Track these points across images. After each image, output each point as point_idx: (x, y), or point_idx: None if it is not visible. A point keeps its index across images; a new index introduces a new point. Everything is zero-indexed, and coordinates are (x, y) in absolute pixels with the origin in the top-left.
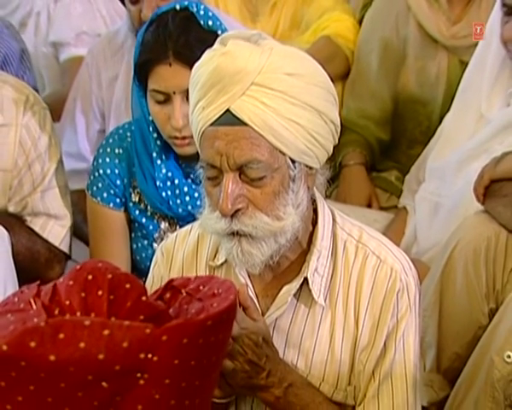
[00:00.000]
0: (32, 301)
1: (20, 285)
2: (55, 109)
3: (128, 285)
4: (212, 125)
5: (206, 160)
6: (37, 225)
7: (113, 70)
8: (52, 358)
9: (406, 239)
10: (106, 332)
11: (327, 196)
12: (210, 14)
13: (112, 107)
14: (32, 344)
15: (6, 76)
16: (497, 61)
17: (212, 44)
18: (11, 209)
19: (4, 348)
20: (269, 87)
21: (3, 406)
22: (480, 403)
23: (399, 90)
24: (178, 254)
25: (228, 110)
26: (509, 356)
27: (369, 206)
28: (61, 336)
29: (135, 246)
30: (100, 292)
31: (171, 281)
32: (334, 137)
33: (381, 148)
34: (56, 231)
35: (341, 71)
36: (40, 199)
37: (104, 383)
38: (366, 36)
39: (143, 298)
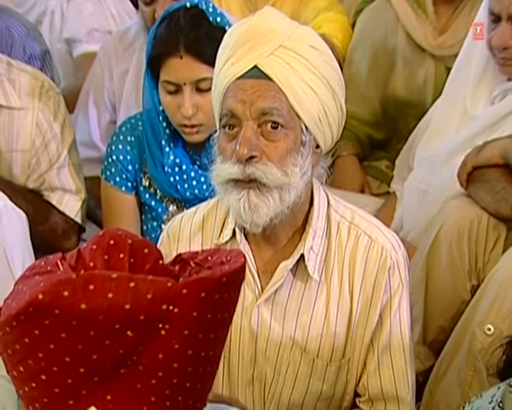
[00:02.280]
0: (59, 263)
1: (39, 258)
2: (69, 102)
3: (146, 250)
4: (238, 79)
5: (228, 108)
6: (54, 199)
7: (124, 65)
8: (83, 306)
9: (395, 223)
10: (132, 284)
11: (322, 184)
12: (218, 11)
13: (122, 99)
14: (66, 293)
15: (23, 65)
16: (482, 63)
17: (220, 39)
18: (30, 185)
19: (40, 296)
20: (295, 52)
21: (36, 354)
22: (462, 372)
23: (389, 95)
24: (184, 232)
25: (255, 66)
26: (489, 329)
27: (362, 192)
28: (91, 287)
29: (145, 227)
30: (121, 255)
31: (180, 255)
32: (339, 124)
33: (372, 143)
34: (72, 204)
35: None
36: (56, 175)
37: (129, 332)
38: (357, 43)
39: (160, 262)
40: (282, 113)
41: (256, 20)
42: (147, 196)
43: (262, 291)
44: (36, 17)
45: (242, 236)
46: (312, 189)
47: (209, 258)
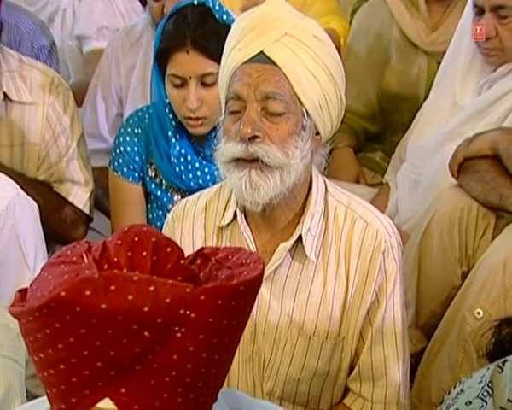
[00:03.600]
0: (84, 255)
1: (49, 246)
2: (79, 96)
3: (169, 249)
4: (245, 63)
5: (233, 91)
6: (63, 190)
7: (131, 60)
8: (103, 306)
9: (388, 211)
10: (151, 288)
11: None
12: (224, 9)
13: (129, 93)
14: (87, 292)
15: (34, 62)
16: (469, 55)
17: (225, 36)
18: (41, 178)
19: (63, 294)
20: (300, 40)
21: (56, 345)
22: (453, 354)
23: (383, 89)
24: (188, 214)
25: (261, 52)
26: (478, 313)
27: (357, 183)
28: (113, 287)
29: (151, 216)
30: (144, 253)
31: (202, 249)
32: (339, 114)
33: (367, 136)
34: (80, 196)
35: None
36: (65, 168)
37: (146, 333)
38: (353, 39)
39: (182, 261)
40: (285, 98)
41: (264, 8)
42: (153, 185)
43: None
44: (48, 15)
45: (243, 218)
46: (311, 174)
47: (229, 257)
